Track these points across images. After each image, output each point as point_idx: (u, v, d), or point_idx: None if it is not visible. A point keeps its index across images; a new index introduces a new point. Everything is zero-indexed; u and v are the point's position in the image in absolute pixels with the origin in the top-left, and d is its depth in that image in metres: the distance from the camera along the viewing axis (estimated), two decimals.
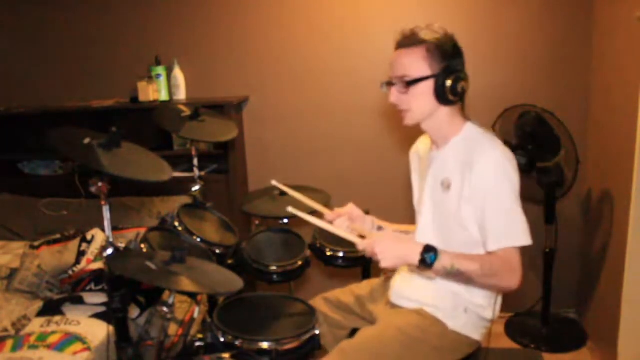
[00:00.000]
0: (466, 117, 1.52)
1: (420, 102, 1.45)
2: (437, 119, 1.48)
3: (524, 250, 1.37)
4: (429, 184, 1.56)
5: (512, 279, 1.34)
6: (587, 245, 2.74)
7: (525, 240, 1.37)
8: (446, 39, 1.42)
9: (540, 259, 2.64)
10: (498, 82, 2.72)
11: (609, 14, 2.43)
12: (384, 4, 2.76)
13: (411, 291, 1.57)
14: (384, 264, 1.36)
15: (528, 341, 2.66)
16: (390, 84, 1.48)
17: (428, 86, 1.42)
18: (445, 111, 1.47)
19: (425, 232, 1.55)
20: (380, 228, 1.75)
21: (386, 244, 1.37)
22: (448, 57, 1.41)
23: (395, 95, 1.48)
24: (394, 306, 1.61)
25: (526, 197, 2.70)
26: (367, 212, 1.74)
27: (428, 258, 1.33)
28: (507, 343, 2.70)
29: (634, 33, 2.13)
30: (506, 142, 2.56)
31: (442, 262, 1.33)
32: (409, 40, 1.44)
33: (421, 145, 1.69)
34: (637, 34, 2.10)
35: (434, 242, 1.36)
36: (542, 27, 2.65)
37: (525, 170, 2.50)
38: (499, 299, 1.56)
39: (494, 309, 1.52)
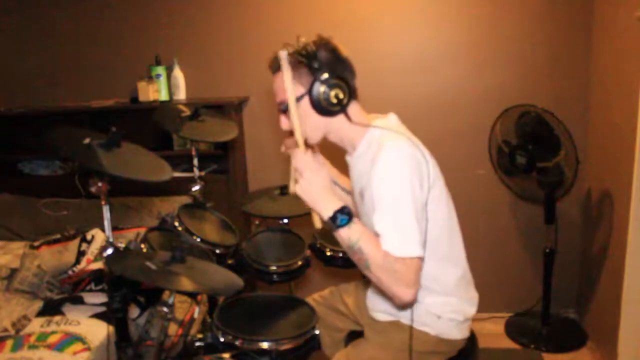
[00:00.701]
0: (368, 121, 1.43)
1: (308, 121, 1.38)
2: (336, 130, 1.42)
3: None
4: (354, 194, 1.51)
5: (408, 290, 1.25)
6: (587, 245, 2.74)
7: (415, 250, 1.25)
8: (310, 52, 1.34)
9: (540, 259, 2.63)
10: (498, 82, 2.71)
11: (609, 14, 2.42)
12: (384, 5, 2.75)
13: (381, 303, 1.52)
14: (298, 189, 1.30)
15: (528, 341, 2.66)
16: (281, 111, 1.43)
17: (306, 104, 1.36)
18: (339, 121, 1.40)
19: None
20: (335, 183, 1.68)
21: (315, 179, 1.30)
22: (315, 69, 1.33)
23: (284, 121, 1.42)
24: (373, 320, 1.57)
25: (526, 197, 2.74)
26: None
27: (339, 219, 1.26)
28: (507, 343, 2.70)
29: (634, 33, 2.13)
30: (506, 142, 2.56)
31: (349, 232, 1.26)
32: (276, 64, 1.39)
33: None
34: (637, 34, 2.10)
35: None
36: (542, 27, 2.65)
37: (525, 170, 2.51)
38: (473, 300, 1.51)
39: (463, 310, 1.47)
